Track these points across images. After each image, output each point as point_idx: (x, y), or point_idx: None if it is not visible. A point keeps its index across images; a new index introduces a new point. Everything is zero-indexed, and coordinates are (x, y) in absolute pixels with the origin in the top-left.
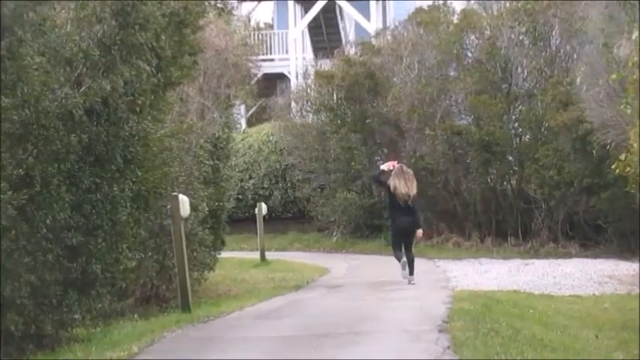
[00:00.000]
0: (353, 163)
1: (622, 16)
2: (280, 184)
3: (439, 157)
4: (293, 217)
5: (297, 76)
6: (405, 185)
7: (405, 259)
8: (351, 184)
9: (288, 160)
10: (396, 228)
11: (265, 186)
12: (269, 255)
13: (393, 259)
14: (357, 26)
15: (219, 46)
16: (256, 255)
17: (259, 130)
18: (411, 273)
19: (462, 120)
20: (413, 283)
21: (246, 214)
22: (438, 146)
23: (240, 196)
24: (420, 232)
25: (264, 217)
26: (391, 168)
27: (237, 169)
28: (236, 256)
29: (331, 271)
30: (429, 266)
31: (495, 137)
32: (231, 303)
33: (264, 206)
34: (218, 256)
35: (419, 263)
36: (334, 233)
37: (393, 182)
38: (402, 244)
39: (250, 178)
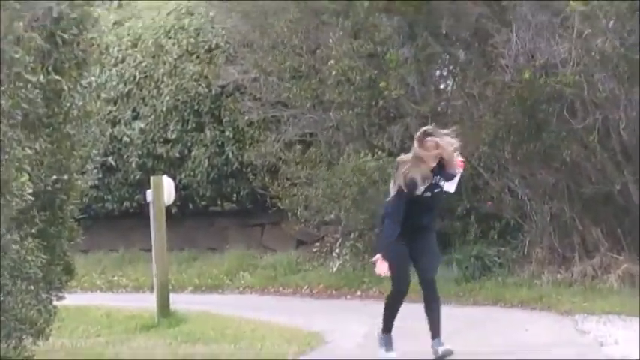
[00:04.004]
0: (383, 85)
1: None
2: (208, 133)
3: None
4: (239, 213)
5: None
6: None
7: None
8: (377, 135)
9: (229, 75)
10: None
11: (171, 136)
12: (181, 301)
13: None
14: None
15: None
16: (149, 301)
17: (158, 2)
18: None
19: None
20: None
21: (127, 205)
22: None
23: (112, 160)
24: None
25: (168, 212)
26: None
27: (104, 95)
28: (102, 302)
29: (329, 340)
30: (564, 330)
31: None
32: None
33: (168, 184)
34: (58, 302)
35: (543, 321)
36: (336, 251)
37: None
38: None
39: (137, 116)
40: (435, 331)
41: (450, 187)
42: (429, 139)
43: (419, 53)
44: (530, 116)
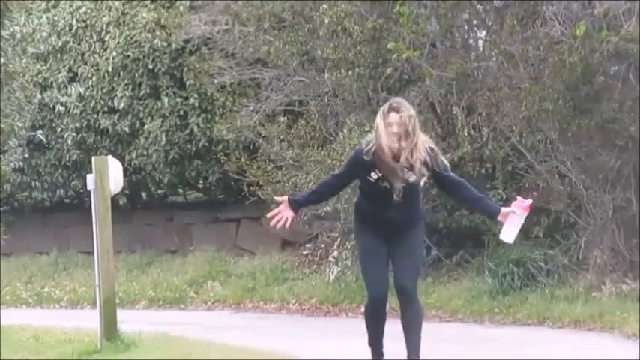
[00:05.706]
0: (392, 47)
1: None
2: (167, 101)
3: None
4: (206, 205)
5: None
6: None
7: None
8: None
9: (193, 26)
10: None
11: (119, 104)
12: (131, 319)
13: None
14: None
15: None
16: (90, 320)
17: None
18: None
19: None
20: None
21: (61, 193)
22: None
23: (42, 135)
24: None
25: (115, 203)
26: None
27: (31, 50)
28: (29, 320)
29: None
30: (630, 357)
31: None
32: None
33: (114, 167)
34: None
35: (604, 345)
36: (333, 254)
37: None
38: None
39: (74, 77)
40: (413, 349)
41: (507, 236)
42: (393, 113)
43: None
44: (585, 81)
